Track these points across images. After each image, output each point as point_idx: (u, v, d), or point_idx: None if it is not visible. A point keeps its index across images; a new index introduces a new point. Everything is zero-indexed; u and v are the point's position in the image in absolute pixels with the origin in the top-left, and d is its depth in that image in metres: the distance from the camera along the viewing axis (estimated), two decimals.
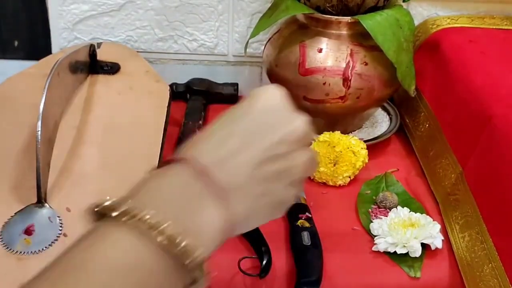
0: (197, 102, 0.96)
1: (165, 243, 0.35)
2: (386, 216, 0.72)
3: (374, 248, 0.69)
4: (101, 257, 0.34)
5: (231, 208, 0.39)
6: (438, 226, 0.69)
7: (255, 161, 0.40)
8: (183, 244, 0.35)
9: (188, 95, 0.98)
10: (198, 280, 0.37)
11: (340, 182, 0.79)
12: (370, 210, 0.75)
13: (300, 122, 0.43)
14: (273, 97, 0.43)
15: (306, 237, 0.68)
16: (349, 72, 0.80)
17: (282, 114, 0.43)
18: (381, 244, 0.68)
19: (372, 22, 0.78)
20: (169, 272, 0.35)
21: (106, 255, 0.34)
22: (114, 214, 0.35)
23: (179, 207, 0.37)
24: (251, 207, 0.41)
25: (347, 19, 0.80)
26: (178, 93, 0.98)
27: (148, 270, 0.34)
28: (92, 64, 0.89)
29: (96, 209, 0.36)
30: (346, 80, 0.81)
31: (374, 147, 0.86)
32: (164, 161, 0.40)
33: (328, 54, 0.81)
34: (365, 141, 0.82)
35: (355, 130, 0.90)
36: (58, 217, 0.65)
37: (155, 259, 0.35)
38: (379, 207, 0.75)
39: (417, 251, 0.67)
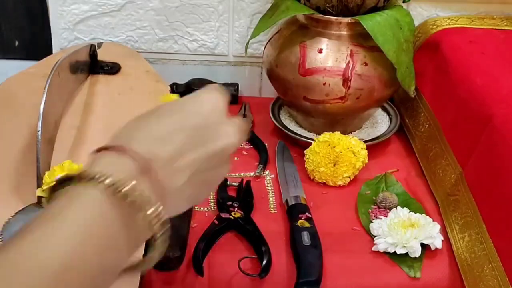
0: None
1: (120, 197, 0.38)
2: (386, 217, 0.72)
3: (374, 248, 0.69)
4: (69, 211, 0.37)
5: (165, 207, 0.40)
6: (438, 227, 0.69)
7: (193, 168, 0.42)
8: (135, 198, 0.38)
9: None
10: (155, 237, 0.40)
11: (340, 182, 0.79)
12: (370, 210, 0.75)
13: (233, 138, 0.44)
14: (212, 104, 0.45)
15: (306, 237, 0.68)
16: (349, 72, 0.80)
17: (220, 126, 0.44)
18: (381, 244, 0.68)
19: (372, 23, 0.78)
20: (124, 224, 0.38)
21: (74, 209, 0.37)
22: (83, 180, 0.38)
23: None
24: (178, 207, 0.44)
25: (347, 19, 0.81)
26: (178, 93, 0.98)
27: (107, 220, 0.38)
28: (92, 64, 0.89)
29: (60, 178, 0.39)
30: (346, 81, 0.81)
31: (374, 147, 0.86)
32: (108, 146, 0.41)
33: (328, 55, 0.81)
34: (365, 142, 0.82)
35: (355, 131, 0.90)
36: None
37: (114, 211, 0.38)
38: (379, 207, 0.75)
39: (417, 251, 0.67)
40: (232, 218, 0.71)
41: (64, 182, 0.39)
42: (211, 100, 0.45)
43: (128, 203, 0.38)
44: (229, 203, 0.73)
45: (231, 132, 0.44)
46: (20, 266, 0.34)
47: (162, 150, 0.41)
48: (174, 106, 0.45)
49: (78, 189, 0.38)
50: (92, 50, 0.89)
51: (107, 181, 0.37)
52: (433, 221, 0.70)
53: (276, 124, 0.90)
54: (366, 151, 0.80)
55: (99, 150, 0.40)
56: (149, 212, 0.39)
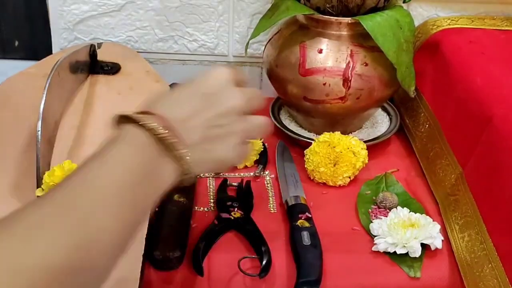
0: None
1: (160, 137, 0.49)
2: (386, 217, 0.72)
3: (374, 248, 0.69)
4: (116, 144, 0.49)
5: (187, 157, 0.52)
6: (438, 227, 0.69)
7: (205, 126, 0.53)
8: (171, 140, 0.50)
9: None
10: (186, 172, 0.51)
11: (340, 183, 0.79)
12: (370, 210, 0.75)
13: (238, 100, 0.55)
14: (221, 76, 0.55)
15: (306, 237, 0.68)
16: (349, 72, 0.80)
17: (226, 92, 0.55)
18: (381, 244, 0.68)
19: (372, 23, 0.78)
20: (162, 159, 0.50)
21: (120, 146, 0.49)
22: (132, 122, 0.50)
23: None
24: (200, 159, 0.53)
25: (347, 20, 0.81)
26: None
27: (148, 155, 0.49)
28: (92, 64, 0.89)
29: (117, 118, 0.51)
30: (346, 81, 0.81)
31: (374, 147, 0.86)
32: (141, 111, 0.51)
33: (328, 55, 0.81)
34: (365, 142, 0.82)
35: (355, 131, 0.90)
36: None
37: (153, 148, 0.49)
38: (379, 207, 0.75)
39: (417, 251, 0.67)
40: (232, 218, 0.71)
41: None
42: (216, 73, 0.55)
43: (164, 143, 0.49)
44: (229, 203, 0.73)
45: (235, 95, 0.55)
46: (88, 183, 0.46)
47: (178, 112, 0.52)
48: (188, 82, 0.56)
49: (124, 128, 0.50)
50: (92, 50, 0.89)
51: (147, 125, 0.49)
52: (433, 221, 0.70)
53: (276, 124, 0.90)
54: (366, 151, 0.80)
55: (129, 114, 0.51)
56: (182, 150, 0.50)
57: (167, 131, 0.50)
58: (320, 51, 0.81)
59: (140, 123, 0.49)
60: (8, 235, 0.40)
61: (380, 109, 0.95)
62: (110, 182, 0.46)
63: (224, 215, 0.71)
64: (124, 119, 0.51)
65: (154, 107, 0.52)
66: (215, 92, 0.54)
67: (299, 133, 0.88)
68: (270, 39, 0.88)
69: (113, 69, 0.89)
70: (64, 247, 0.41)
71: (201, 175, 0.79)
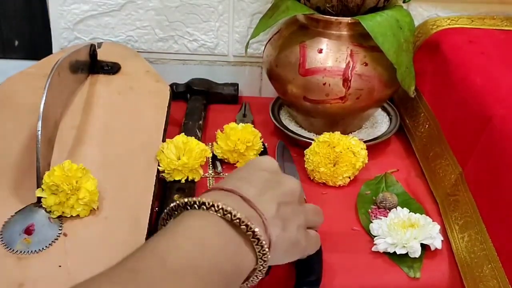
0: (197, 102, 0.96)
1: (237, 222, 0.50)
2: (386, 217, 0.72)
3: (373, 249, 0.69)
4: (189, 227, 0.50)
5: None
6: (437, 227, 0.69)
7: (276, 201, 0.55)
8: (250, 226, 0.50)
9: (188, 95, 0.99)
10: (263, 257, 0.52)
11: (340, 183, 0.79)
12: (369, 210, 0.75)
13: (296, 185, 0.59)
14: (272, 163, 0.60)
15: None
16: (349, 72, 0.80)
17: (283, 177, 0.59)
18: (381, 245, 0.68)
19: (372, 23, 0.78)
20: (242, 239, 0.51)
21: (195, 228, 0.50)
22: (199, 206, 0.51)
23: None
24: (278, 237, 0.54)
25: (347, 19, 0.81)
26: (178, 93, 0.98)
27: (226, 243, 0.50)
28: (92, 64, 0.89)
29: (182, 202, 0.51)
30: (346, 81, 0.81)
31: (374, 147, 0.86)
32: (218, 188, 0.54)
33: (328, 55, 0.81)
34: (365, 142, 0.82)
35: (355, 131, 0.90)
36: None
37: (230, 227, 0.50)
38: (378, 208, 0.75)
39: (416, 252, 0.67)
40: None
41: (185, 205, 0.52)
42: (267, 161, 0.60)
43: (241, 228, 0.50)
44: None
45: (291, 180, 0.59)
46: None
47: (246, 187, 0.54)
48: (246, 166, 0.59)
49: (199, 213, 0.51)
50: (92, 50, 0.89)
51: (225, 211, 0.50)
52: (433, 221, 0.70)
53: (276, 124, 0.90)
54: (366, 151, 0.80)
55: (205, 191, 0.54)
56: (263, 222, 0.52)
57: (245, 207, 0.51)
58: (320, 51, 0.81)
59: (215, 204, 0.50)
60: None
61: (380, 109, 0.95)
62: (184, 260, 0.46)
63: None
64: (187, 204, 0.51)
65: (222, 184, 0.55)
66: (272, 176, 0.57)
67: (299, 133, 0.88)
68: (270, 39, 0.88)
69: (113, 69, 0.89)
70: None
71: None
